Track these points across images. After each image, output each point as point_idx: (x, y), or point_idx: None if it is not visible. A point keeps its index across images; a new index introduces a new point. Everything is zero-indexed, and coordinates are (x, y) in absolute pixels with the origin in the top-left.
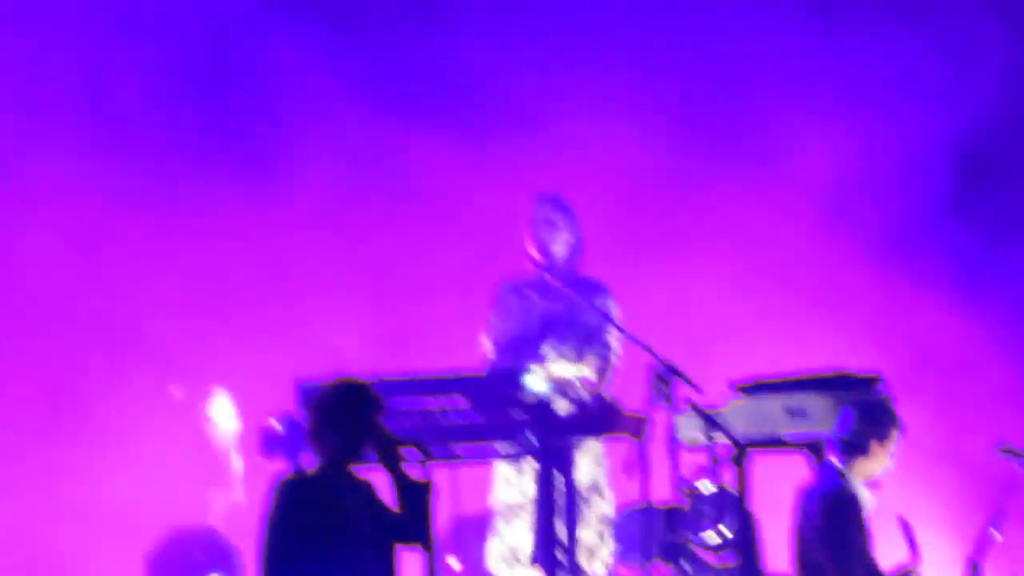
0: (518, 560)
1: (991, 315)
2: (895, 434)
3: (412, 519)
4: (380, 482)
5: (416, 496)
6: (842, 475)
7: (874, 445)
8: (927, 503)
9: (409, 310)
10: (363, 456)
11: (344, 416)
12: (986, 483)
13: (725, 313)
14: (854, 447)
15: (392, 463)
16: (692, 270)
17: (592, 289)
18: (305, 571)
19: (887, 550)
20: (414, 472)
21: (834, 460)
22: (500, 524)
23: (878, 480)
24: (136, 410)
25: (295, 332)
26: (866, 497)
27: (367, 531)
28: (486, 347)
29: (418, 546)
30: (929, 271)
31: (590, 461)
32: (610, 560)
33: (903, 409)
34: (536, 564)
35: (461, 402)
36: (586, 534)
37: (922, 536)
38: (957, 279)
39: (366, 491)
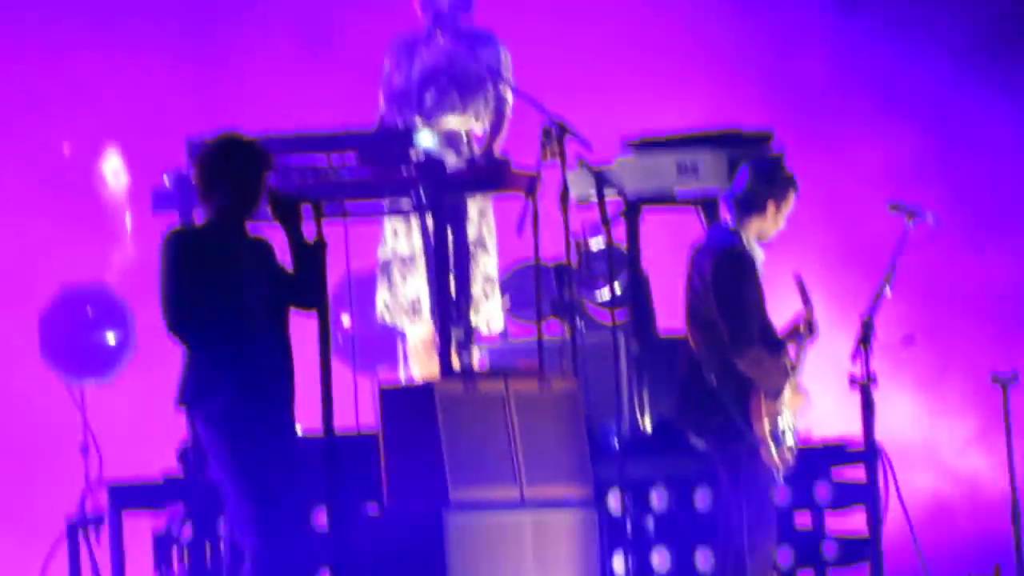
0: (414, 312)
1: (874, 70)
2: (791, 195)
3: (307, 280)
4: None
5: (311, 257)
6: (735, 233)
7: (770, 204)
8: (818, 262)
9: (310, 67)
10: (253, 213)
11: (231, 171)
12: (876, 240)
13: (615, 70)
14: (749, 205)
15: (287, 222)
16: (583, 26)
17: (481, 41)
18: (199, 317)
19: (780, 309)
20: (308, 232)
21: (727, 218)
22: (395, 276)
23: (770, 240)
24: (27, 166)
25: (185, 87)
26: (759, 255)
27: (260, 287)
28: (380, 103)
29: (312, 308)
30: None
31: (476, 217)
32: (495, 315)
33: (794, 165)
34: (432, 317)
35: (351, 158)
36: (473, 289)
37: (815, 295)
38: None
39: (259, 248)
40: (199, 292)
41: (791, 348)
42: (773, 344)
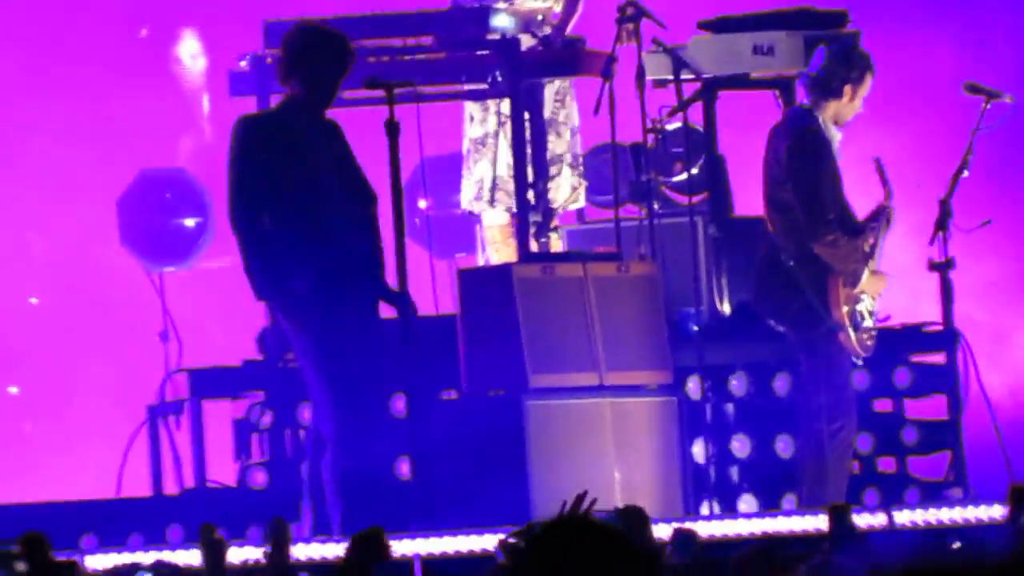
0: (483, 197)
1: None
2: (868, 77)
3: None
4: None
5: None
6: (811, 115)
7: (846, 87)
8: (896, 144)
9: None
10: (329, 103)
11: (310, 62)
12: (953, 122)
13: None
14: (825, 88)
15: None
16: None
17: None
18: (268, 204)
19: (860, 191)
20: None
21: (804, 100)
22: (470, 161)
23: (847, 122)
24: (105, 50)
25: None
26: (835, 138)
27: (330, 167)
28: None
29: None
30: None
31: (552, 98)
32: (575, 201)
33: (870, 46)
34: (502, 202)
35: (427, 40)
36: (552, 175)
37: (894, 176)
38: None
39: (331, 131)
40: (269, 177)
41: (870, 233)
42: (851, 228)
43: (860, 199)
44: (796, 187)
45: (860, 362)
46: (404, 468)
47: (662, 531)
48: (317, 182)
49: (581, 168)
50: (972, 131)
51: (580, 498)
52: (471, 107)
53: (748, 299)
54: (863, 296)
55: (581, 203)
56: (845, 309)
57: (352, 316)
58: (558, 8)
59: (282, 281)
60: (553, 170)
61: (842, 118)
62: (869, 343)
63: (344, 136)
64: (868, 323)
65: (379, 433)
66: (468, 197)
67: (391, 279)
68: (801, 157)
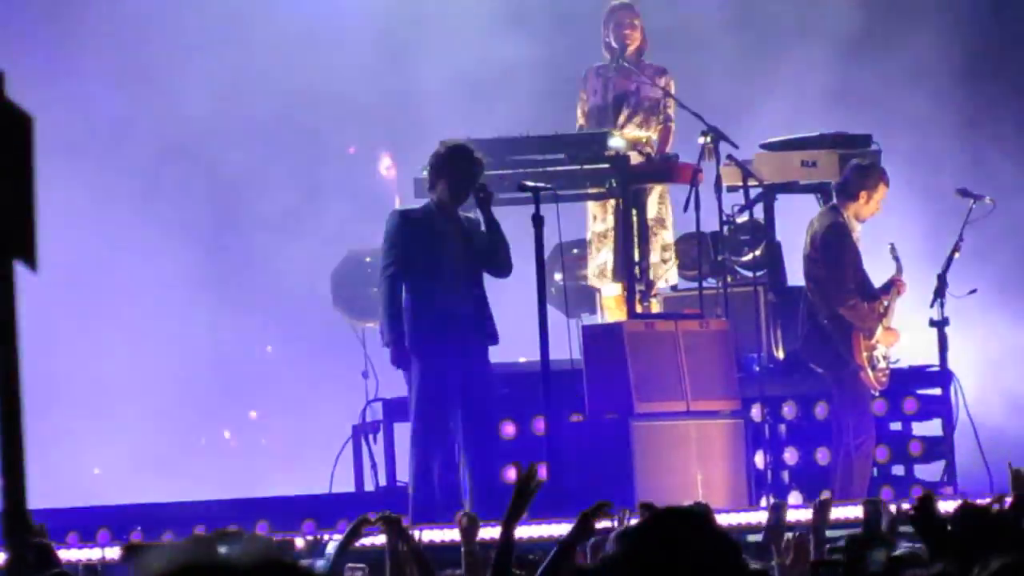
0: (604, 275)
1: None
2: (880, 186)
3: (498, 245)
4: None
5: (498, 230)
6: (838, 211)
7: (862, 193)
8: (907, 232)
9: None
10: (462, 202)
11: (448, 171)
12: (949, 216)
13: (747, 91)
14: (847, 193)
15: (485, 207)
16: (715, 63)
17: (657, 72)
18: (403, 276)
19: (878, 270)
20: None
21: (836, 202)
22: (592, 249)
23: (866, 218)
24: (322, 166)
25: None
26: (856, 229)
27: (459, 251)
28: (579, 117)
29: (502, 269)
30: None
31: (655, 200)
32: (670, 276)
33: (888, 162)
34: (618, 278)
35: (562, 156)
36: (652, 257)
37: (905, 257)
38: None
39: (463, 224)
40: (404, 259)
41: (885, 298)
42: (868, 294)
43: (878, 272)
44: (825, 265)
45: (877, 393)
46: (543, 472)
47: (732, 518)
48: (444, 257)
49: (673, 253)
50: (963, 224)
51: (601, 505)
52: (593, 208)
53: (796, 347)
54: (878, 345)
55: (674, 279)
56: (865, 355)
57: (455, 366)
58: (656, 138)
59: (408, 335)
60: (665, 255)
61: (861, 216)
62: (884, 379)
63: (474, 227)
64: (882, 365)
65: (494, 454)
66: (593, 275)
67: (533, 332)
68: (828, 243)
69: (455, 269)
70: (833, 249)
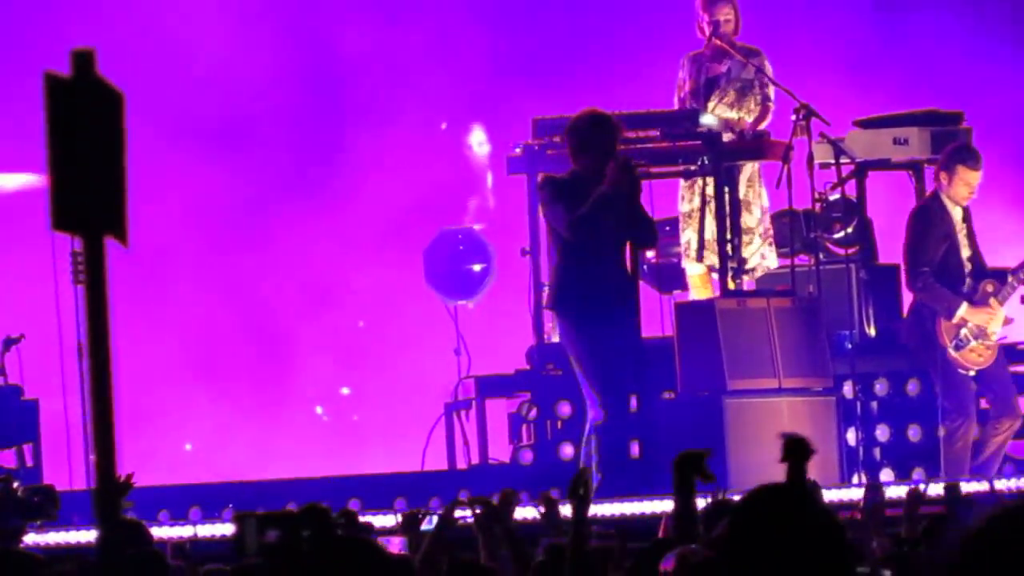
0: (687, 254)
1: None
2: (960, 168)
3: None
4: None
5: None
6: (935, 195)
7: (943, 175)
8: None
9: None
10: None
11: (596, 139)
12: None
13: (844, 63)
14: (936, 176)
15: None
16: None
17: (751, 54)
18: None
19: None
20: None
21: (935, 183)
22: (678, 229)
23: (962, 202)
24: (414, 140)
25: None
26: (955, 213)
27: (615, 217)
28: (675, 102)
29: (648, 246)
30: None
31: (744, 183)
32: (761, 256)
33: (980, 141)
34: (700, 257)
35: (654, 133)
36: (744, 236)
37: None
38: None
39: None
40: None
41: (991, 283)
42: (953, 277)
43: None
44: (905, 245)
45: (973, 372)
46: (635, 449)
47: (824, 495)
48: (599, 227)
49: (771, 239)
50: None
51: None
52: (682, 188)
53: (893, 326)
54: (969, 324)
55: (773, 265)
56: (946, 335)
57: (613, 330)
58: (749, 119)
59: (561, 300)
60: (746, 239)
61: (953, 198)
62: (980, 359)
63: (634, 188)
64: (974, 344)
65: (623, 422)
66: (683, 253)
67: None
68: (910, 224)
69: (614, 233)
70: (912, 230)
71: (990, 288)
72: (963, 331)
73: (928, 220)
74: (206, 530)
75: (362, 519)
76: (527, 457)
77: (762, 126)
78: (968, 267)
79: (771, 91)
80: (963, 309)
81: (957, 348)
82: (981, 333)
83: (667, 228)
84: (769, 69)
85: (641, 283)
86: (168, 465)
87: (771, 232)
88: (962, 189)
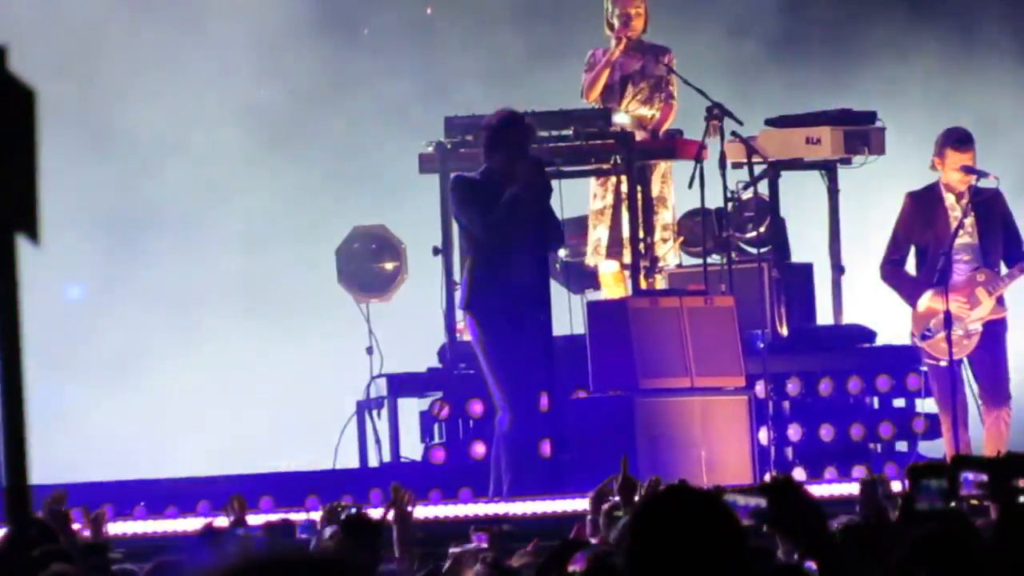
0: (598, 251)
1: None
2: (949, 152)
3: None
4: None
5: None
6: (934, 183)
7: (935, 160)
8: None
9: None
10: (514, 170)
11: (507, 138)
12: None
13: (757, 66)
14: (933, 163)
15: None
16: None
17: (660, 51)
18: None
19: None
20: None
21: None
22: (589, 226)
23: (957, 189)
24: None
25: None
26: (948, 198)
27: (526, 220)
28: (582, 98)
29: (553, 237)
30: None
31: (658, 179)
32: (670, 256)
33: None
34: (611, 255)
35: (567, 132)
36: (654, 235)
37: None
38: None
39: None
40: (477, 214)
41: (982, 272)
42: (930, 265)
43: None
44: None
45: (944, 362)
46: (546, 448)
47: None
48: (511, 229)
49: (674, 233)
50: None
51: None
52: (593, 186)
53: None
54: (937, 315)
55: (674, 259)
56: (918, 326)
57: (522, 330)
58: (659, 116)
59: (472, 300)
60: (665, 234)
61: (948, 184)
62: (955, 348)
63: (545, 190)
64: (942, 335)
65: (533, 422)
66: (589, 252)
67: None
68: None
69: (522, 238)
70: (897, 220)
71: (981, 278)
72: (932, 321)
73: (909, 209)
74: (118, 527)
75: (275, 516)
76: (439, 455)
77: (669, 124)
78: (966, 255)
79: (675, 89)
80: (926, 298)
81: (923, 338)
82: (956, 322)
83: (576, 227)
84: (675, 66)
85: (552, 282)
86: (83, 464)
87: (676, 227)
88: (954, 174)
